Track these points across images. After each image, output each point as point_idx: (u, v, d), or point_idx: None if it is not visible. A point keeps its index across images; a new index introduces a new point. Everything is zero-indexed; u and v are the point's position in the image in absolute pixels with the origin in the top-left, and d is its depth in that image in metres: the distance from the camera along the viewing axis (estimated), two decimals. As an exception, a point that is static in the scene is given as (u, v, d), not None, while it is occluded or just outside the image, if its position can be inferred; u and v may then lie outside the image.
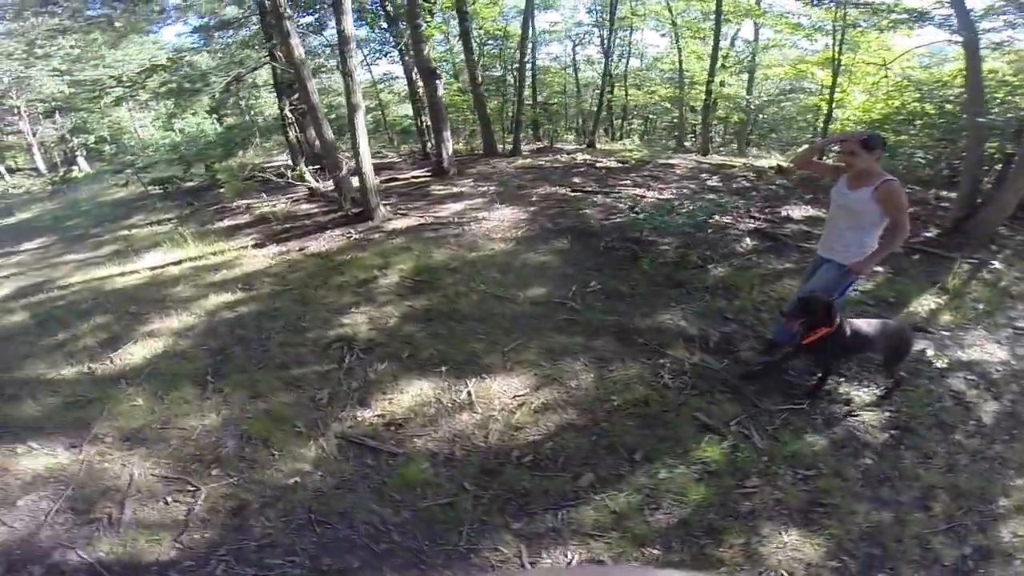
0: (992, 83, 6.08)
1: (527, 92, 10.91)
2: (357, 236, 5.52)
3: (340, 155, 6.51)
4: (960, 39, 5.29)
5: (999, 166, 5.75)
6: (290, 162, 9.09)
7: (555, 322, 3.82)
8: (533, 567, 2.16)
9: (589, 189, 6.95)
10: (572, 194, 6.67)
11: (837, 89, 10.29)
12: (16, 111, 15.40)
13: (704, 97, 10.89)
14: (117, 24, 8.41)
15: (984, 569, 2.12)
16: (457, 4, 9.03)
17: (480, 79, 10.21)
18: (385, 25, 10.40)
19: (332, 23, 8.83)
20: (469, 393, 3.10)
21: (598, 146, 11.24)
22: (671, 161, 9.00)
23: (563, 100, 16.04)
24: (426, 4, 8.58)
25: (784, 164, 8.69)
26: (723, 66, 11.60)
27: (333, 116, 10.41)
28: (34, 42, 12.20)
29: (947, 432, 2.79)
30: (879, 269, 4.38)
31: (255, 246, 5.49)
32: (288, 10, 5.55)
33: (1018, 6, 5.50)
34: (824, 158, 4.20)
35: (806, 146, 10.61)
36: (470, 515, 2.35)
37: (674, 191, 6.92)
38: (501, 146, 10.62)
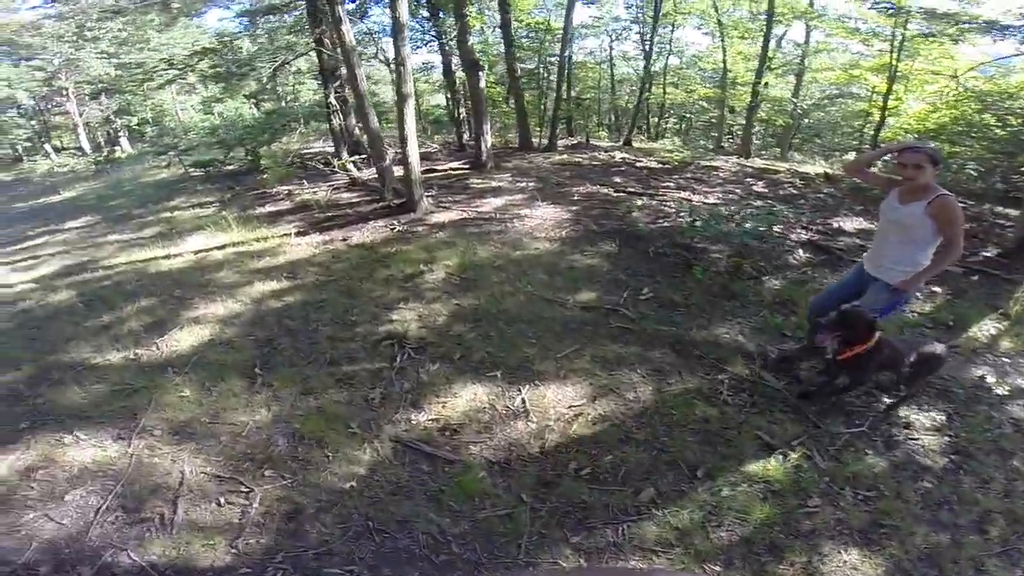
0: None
1: (561, 86, 10.73)
2: (401, 228, 5.47)
3: (384, 145, 6.48)
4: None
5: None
6: (330, 150, 9.11)
7: (609, 329, 3.70)
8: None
9: (632, 190, 6.78)
10: (615, 195, 6.52)
11: (891, 96, 9.85)
12: (64, 92, 15.84)
13: (750, 99, 10.56)
14: (174, 5, 8.47)
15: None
16: (500, -5, 8.90)
17: (518, 72, 10.08)
18: (426, 14, 10.32)
19: (373, 11, 8.79)
20: (524, 400, 3.01)
21: (635, 144, 11.01)
22: (713, 163, 8.75)
23: (596, 95, 15.79)
24: (470, -5, 8.47)
25: (831, 172, 8.38)
26: (769, 67, 11.22)
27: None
28: (84, 24, 12.47)
29: (1006, 458, 2.72)
30: (937, 290, 4.25)
31: (298, 234, 5.49)
32: (341, -4, 5.50)
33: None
34: (877, 167, 3.99)
35: (860, 152, 10.27)
36: (528, 528, 2.28)
37: (719, 196, 6.71)
38: (536, 140, 10.49)
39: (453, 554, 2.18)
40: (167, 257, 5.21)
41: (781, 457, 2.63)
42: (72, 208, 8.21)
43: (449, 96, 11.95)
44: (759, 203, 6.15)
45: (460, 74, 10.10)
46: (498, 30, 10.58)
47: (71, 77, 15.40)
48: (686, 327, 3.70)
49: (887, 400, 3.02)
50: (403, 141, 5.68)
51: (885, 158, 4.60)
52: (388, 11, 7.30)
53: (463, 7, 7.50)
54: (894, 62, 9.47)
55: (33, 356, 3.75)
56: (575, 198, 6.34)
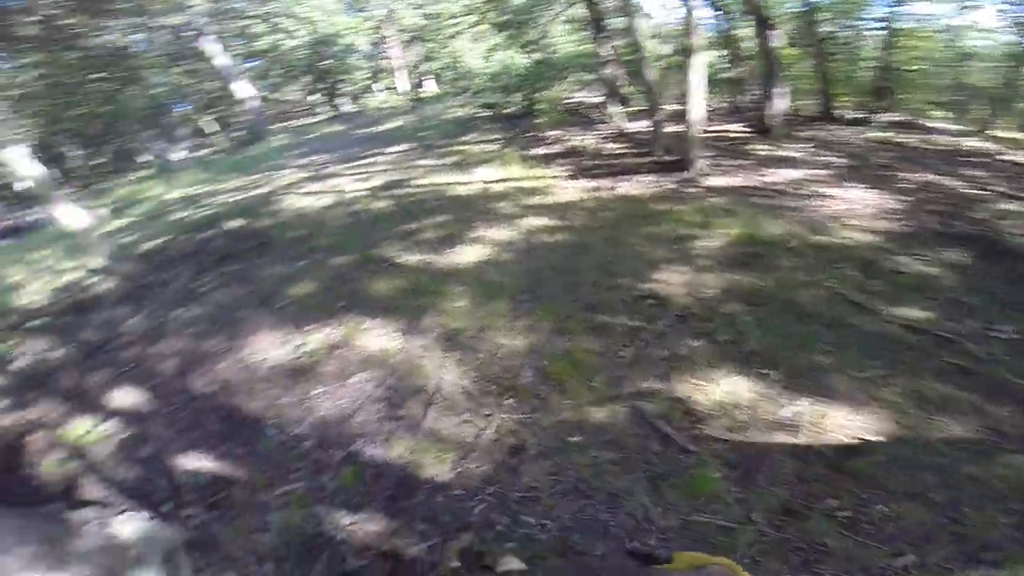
0: None
1: (878, 53, 8.32)
2: (671, 186, 5.11)
3: (659, 98, 6.07)
4: None
5: None
6: (590, 99, 9.15)
7: (937, 362, 2.75)
8: None
9: (998, 189, 4.89)
10: (970, 191, 4.80)
11: None
12: (386, 39, 19.69)
13: None
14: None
15: None
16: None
17: (820, 33, 8.18)
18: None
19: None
20: (797, 414, 2.46)
21: (999, 133, 7.97)
22: None
23: (927, 68, 11.89)
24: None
25: None
26: None
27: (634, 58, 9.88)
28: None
29: None
30: None
31: (568, 177, 5.64)
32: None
33: None
34: None
35: None
36: (746, 550, 1.92)
37: None
38: (839, 112, 8.52)
39: (647, 546, 1.94)
40: (460, 184, 5.98)
41: None
42: (393, 136, 10.22)
43: (727, 53, 10.55)
44: None
45: (741, 31, 8.73)
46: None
47: (392, 26, 18.97)
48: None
49: None
50: (688, 95, 5.17)
51: None
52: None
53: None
54: None
55: (358, 248, 4.72)
56: (904, 186, 4.89)
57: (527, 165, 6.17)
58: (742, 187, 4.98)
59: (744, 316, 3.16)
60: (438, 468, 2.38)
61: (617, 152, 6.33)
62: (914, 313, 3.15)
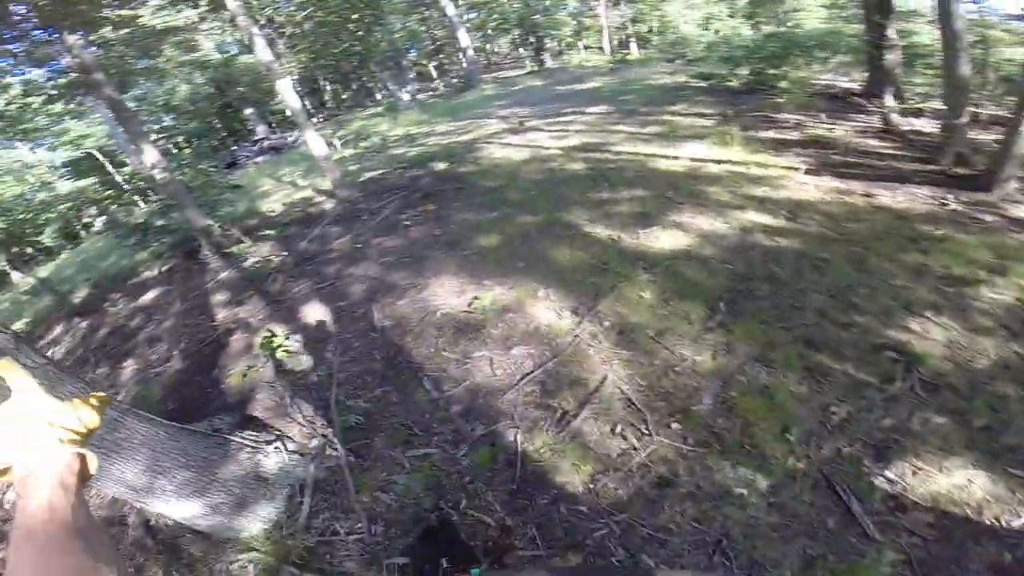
0: None
1: None
2: (957, 207, 3.82)
3: (967, 97, 4.52)
4: None
5: None
6: (842, 84, 7.43)
7: None
8: None
9: None
10: None
11: None
12: (594, -2, 18.85)
13: None
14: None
15: None
16: None
17: None
18: None
19: None
20: None
21: None
22: None
23: None
24: None
25: None
26: None
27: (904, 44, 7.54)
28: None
29: None
30: None
31: (807, 171, 4.63)
32: None
33: None
34: None
35: None
36: None
37: None
38: None
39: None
40: (665, 158, 5.38)
41: None
42: (593, 96, 9.79)
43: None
44: None
45: None
46: None
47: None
48: None
49: None
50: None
51: None
52: None
53: None
54: None
55: (547, 208, 4.53)
56: None
57: (751, 148, 5.24)
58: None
59: (1018, 403, 2.21)
60: (571, 477, 2.14)
61: (881, 151, 4.98)
62: None
